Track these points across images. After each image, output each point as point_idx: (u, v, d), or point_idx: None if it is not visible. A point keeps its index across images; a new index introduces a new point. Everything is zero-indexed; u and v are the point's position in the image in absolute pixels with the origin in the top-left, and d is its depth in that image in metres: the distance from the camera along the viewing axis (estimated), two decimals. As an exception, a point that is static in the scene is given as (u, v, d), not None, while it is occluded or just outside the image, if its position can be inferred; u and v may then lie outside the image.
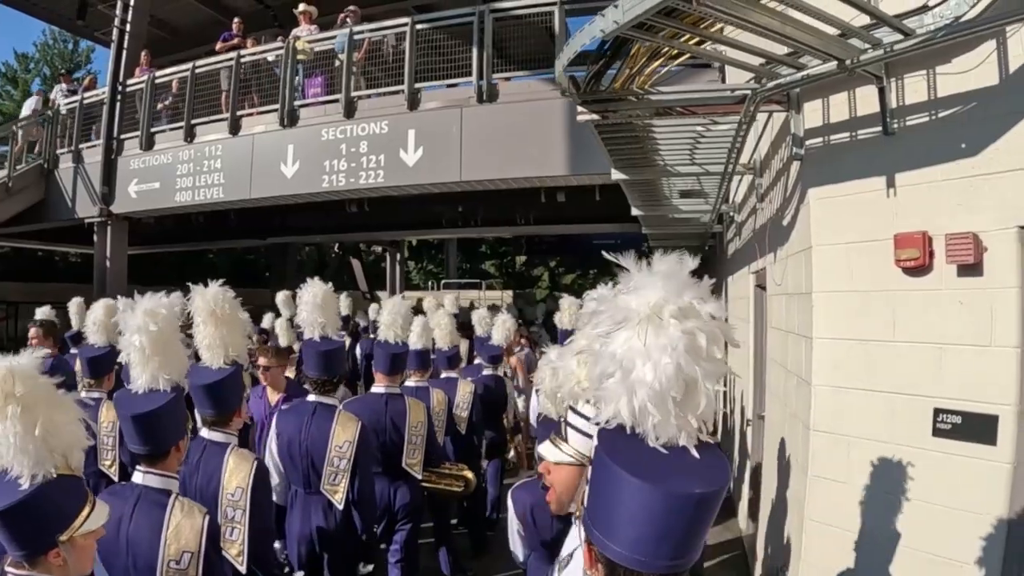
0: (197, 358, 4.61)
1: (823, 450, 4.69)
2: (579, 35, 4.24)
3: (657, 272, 1.88)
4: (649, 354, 1.77)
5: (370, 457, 5.46)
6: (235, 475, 4.14)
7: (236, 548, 4.09)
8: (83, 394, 6.02)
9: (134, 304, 3.89)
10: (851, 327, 4.55)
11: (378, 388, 6.29)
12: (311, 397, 5.38)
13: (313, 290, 5.76)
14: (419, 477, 6.08)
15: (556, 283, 45.12)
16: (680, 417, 1.79)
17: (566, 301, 11.12)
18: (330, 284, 5.92)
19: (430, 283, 44.27)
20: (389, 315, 6.67)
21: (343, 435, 5.15)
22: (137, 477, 3.49)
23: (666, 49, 4.49)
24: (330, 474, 5.08)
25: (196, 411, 4.54)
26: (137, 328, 3.74)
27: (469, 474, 6.33)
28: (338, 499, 5.08)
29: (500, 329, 9.47)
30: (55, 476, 2.50)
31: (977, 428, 3.91)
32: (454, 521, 8.24)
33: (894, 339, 4.32)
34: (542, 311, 25.67)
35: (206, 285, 4.62)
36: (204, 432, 4.34)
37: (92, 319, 7.19)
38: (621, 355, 1.81)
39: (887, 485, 4.30)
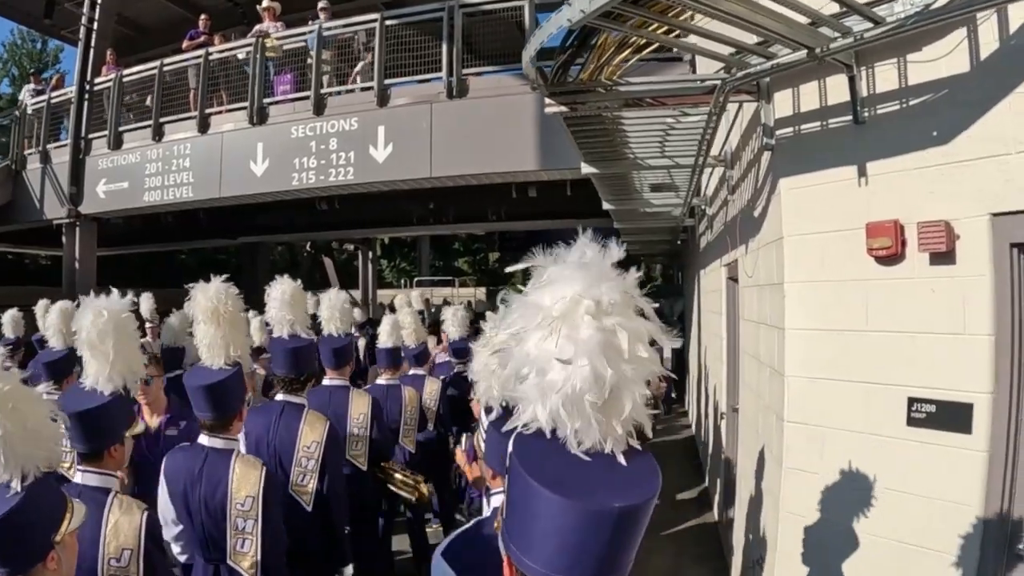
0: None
1: (797, 442, 4.66)
2: (546, 25, 4.19)
3: (571, 264, 1.69)
4: (561, 355, 1.59)
5: (339, 456, 5.38)
6: (244, 483, 4.02)
7: (248, 560, 4.01)
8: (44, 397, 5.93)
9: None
10: (824, 317, 4.53)
11: (325, 381, 6.26)
12: (279, 396, 5.28)
13: (282, 287, 5.66)
14: (363, 468, 6.00)
15: (530, 279, 45.11)
16: (603, 423, 1.61)
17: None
18: (299, 281, 5.82)
19: (403, 281, 44.19)
20: (328, 309, 6.65)
21: (311, 435, 5.05)
22: (77, 476, 3.43)
23: (634, 39, 4.45)
24: (298, 474, 4.97)
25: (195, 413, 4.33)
26: (81, 327, 3.68)
27: (425, 490, 6.21)
28: (306, 500, 4.97)
29: (454, 323, 9.37)
30: (42, 475, 2.46)
31: (952, 416, 3.89)
32: (428, 516, 8.20)
33: (867, 328, 4.30)
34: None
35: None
36: (203, 439, 4.17)
37: (49, 322, 7.14)
38: (534, 356, 1.64)
39: (862, 476, 4.29)
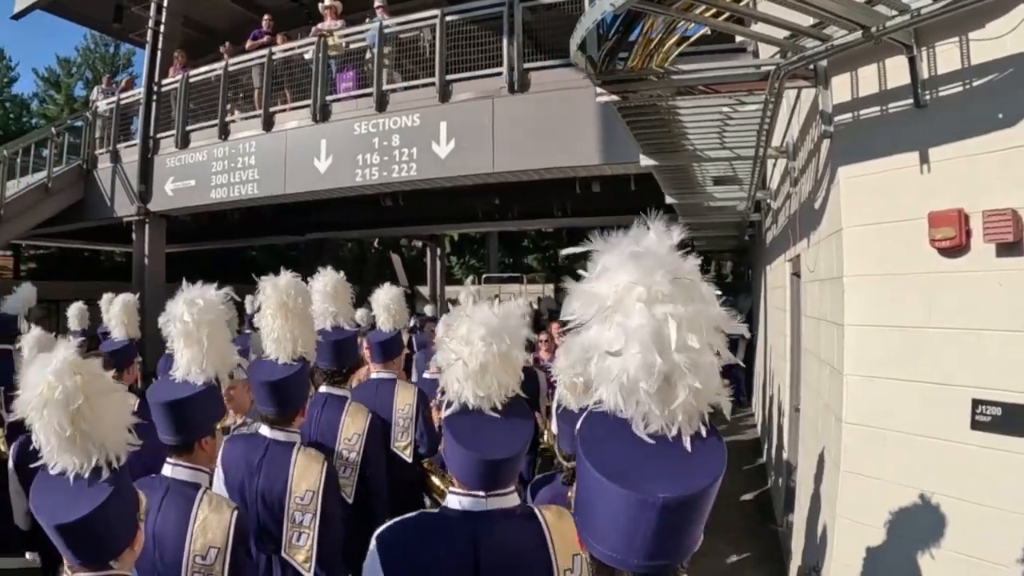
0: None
1: (855, 444, 4.45)
2: (590, 11, 4.05)
3: (627, 251, 1.65)
4: (612, 344, 1.59)
5: (380, 448, 5.30)
6: (304, 477, 3.98)
7: (303, 554, 3.96)
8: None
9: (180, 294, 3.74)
10: (883, 313, 4.32)
11: (372, 375, 6.23)
12: (322, 388, 5.23)
13: (324, 279, 5.62)
14: (409, 460, 5.88)
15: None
16: (660, 410, 1.59)
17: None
18: (342, 273, 5.79)
19: (472, 278, 44.33)
20: (379, 304, 6.60)
21: (352, 427, 5.00)
22: (166, 470, 3.37)
23: (682, 24, 4.29)
24: (339, 467, 4.89)
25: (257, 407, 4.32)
26: (174, 317, 3.61)
27: None
28: (347, 492, 4.89)
29: None
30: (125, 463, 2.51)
31: (1019, 420, 3.66)
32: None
33: (929, 325, 4.08)
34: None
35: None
36: (264, 430, 4.13)
37: (112, 314, 7.21)
38: (594, 342, 1.64)
39: (922, 481, 4.06)
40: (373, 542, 2.56)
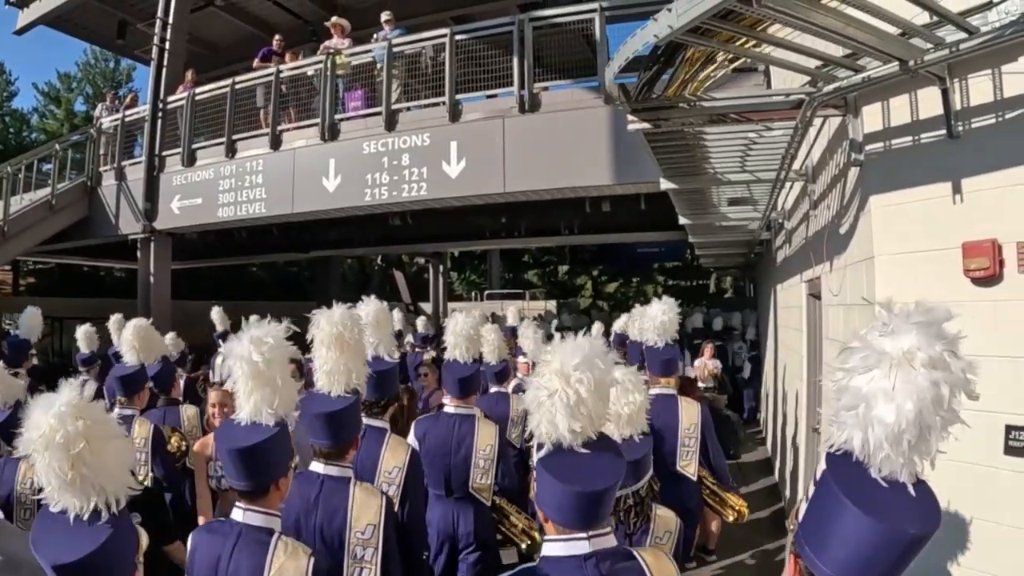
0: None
1: (887, 468, 4.48)
2: (631, 41, 4.13)
3: (914, 319, 1.89)
4: (894, 396, 1.82)
5: (420, 482, 5.24)
6: (365, 511, 3.92)
7: None
8: (116, 411, 6.15)
9: (245, 330, 3.59)
10: (917, 340, 4.35)
11: (448, 410, 6.06)
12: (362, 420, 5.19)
13: (368, 308, 5.50)
14: (487, 503, 5.82)
15: (599, 292, 45.02)
16: (908, 457, 1.84)
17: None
18: (384, 303, 5.71)
19: (473, 294, 44.24)
20: (453, 335, 6.33)
21: (392, 460, 4.94)
22: (237, 514, 3.28)
23: (721, 54, 4.36)
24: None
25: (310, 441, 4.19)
26: (241, 357, 3.46)
27: (538, 538, 5.98)
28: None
29: (533, 339, 9.17)
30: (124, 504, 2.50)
31: (1054, 446, 3.72)
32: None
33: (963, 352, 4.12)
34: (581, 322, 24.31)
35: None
36: (317, 467, 4.05)
37: (124, 338, 7.24)
38: (867, 391, 1.87)
39: (955, 506, 4.11)
40: None
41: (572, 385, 2.55)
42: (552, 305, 37.57)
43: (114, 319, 10.13)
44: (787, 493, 9.82)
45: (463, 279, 48.51)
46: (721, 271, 27.70)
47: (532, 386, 2.69)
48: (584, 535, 2.53)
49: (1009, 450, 3.91)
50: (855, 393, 1.90)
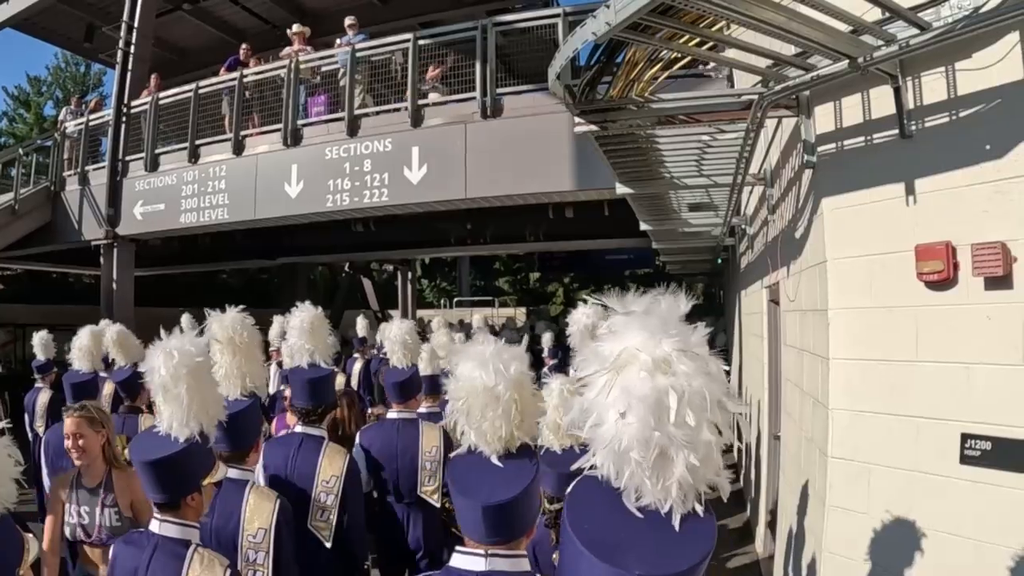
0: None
1: (841, 478, 4.38)
2: (571, 39, 3.99)
3: (638, 314, 1.62)
4: (611, 408, 1.57)
5: (360, 489, 5.17)
6: (256, 515, 3.88)
7: None
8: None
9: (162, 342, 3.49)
10: (870, 346, 4.25)
11: (391, 415, 6.02)
12: (298, 428, 5.08)
13: (302, 315, 5.46)
14: (437, 506, 5.72)
15: (571, 299, 45.04)
16: (652, 482, 1.58)
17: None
18: (319, 309, 5.63)
19: (443, 301, 44.20)
20: (390, 341, 6.44)
21: (330, 469, 4.83)
22: (154, 525, 3.19)
23: (665, 53, 4.22)
24: (317, 510, 4.75)
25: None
26: (153, 369, 3.38)
27: None
28: (325, 536, 4.72)
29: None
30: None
31: (1009, 455, 3.61)
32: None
33: (917, 359, 4.02)
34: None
35: (216, 306, 4.40)
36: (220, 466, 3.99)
37: (77, 345, 7.11)
38: (589, 405, 1.63)
39: (911, 517, 3.99)
40: None
41: (469, 394, 2.47)
42: (521, 312, 37.57)
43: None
44: (751, 503, 9.74)
45: (434, 286, 48.48)
46: (689, 277, 27.65)
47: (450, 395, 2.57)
48: (482, 551, 2.39)
49: (965, 459, 3.79)
50: (579, 408, 1.66)
